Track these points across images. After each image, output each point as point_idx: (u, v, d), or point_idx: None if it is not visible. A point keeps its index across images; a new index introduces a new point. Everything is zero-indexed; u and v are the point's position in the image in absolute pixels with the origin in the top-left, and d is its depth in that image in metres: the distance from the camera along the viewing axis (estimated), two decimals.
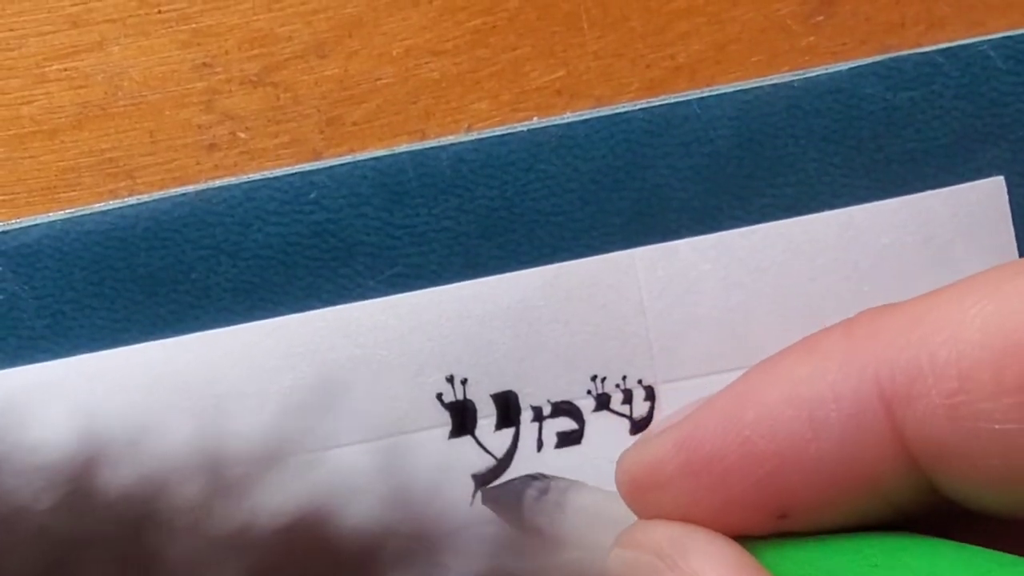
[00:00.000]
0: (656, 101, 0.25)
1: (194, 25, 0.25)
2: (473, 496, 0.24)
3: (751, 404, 0.17)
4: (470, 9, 0.25)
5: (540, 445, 0.25)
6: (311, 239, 0.24)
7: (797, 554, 0.17)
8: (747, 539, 0.17)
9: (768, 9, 0.25)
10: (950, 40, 0.25)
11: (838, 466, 0.16)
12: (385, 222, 0.24)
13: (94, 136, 0.24)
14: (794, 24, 0.25)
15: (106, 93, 0.24)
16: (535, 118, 0.25)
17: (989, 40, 0.25)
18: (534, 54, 0.25)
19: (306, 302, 0.24)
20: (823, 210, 0.25)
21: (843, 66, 0.25)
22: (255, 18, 0.25)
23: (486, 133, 0.25)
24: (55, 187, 0.24)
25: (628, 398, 0.25)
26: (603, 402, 0.25)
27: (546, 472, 0.24)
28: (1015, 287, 0.15)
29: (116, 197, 0.24)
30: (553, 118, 0.25)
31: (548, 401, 0.25)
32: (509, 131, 0.25)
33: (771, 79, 0.25)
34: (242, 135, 0.25)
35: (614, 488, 0.19)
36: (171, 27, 0.25)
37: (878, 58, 0.25)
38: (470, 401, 0.24)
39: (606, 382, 0.25)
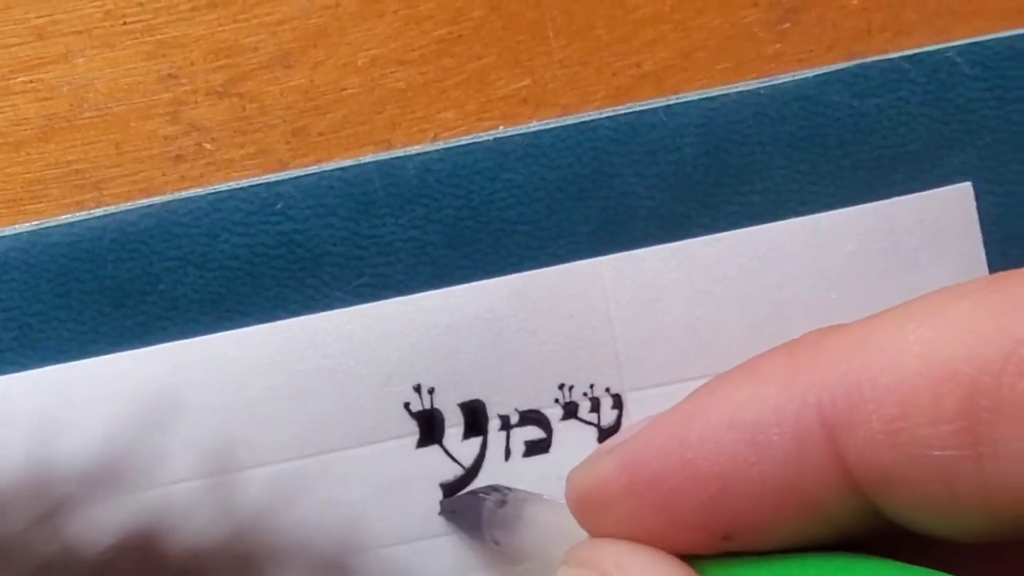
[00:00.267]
0: (622, 109, 0.25)
1: (159, 36, 0.25)
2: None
3: (695, 426, 0.17)
4: (435, 19, 0.25)
5: (508, 454, 0.25)
6: (278, 249, 0.24)
7: (742, 573, 0.17)
8: (694, 558, 0.17)
9: (734, 16, 0.25)
10: (917, 47, 0.25)
11: (781, 489, 0.16)
12: (352, 232, 0.24)
13: (60, 148, 0.24)
14: (760, 31, 0.25)
15: (72, 105, 0.24)
16: (501, 127, 0.25)
17: (956, 46, 0.25)
18: (500, 63, 0.25)
19: (273, 312, 0.24)
20: (790, 217, 0.25)
21: (809, 73, 0.25)
22: (220, 29, 0.25)
23: (452, 142, 0.25)
24: (21, 199, 0.24)
25: (596, 406, 0.25)
26: (571, 411, 0.25)
27: (512, 482, 0.24)
28: (955, 312, 0.15)
29: (82, 209, 0.24)
30: (519, 127, 0.25)
31: (516, 410, 0.25)
32: (475, 140, 0.25)
33: (737, 86, 0.25)
34: (208, 146, 0.25)
35: None
36: (136, 38, 0.25)
37: (845, 65, 0.25)
38: (437, 410, 0.24)
39: (573, 391, 0.25)
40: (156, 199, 0.24)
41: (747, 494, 0.16)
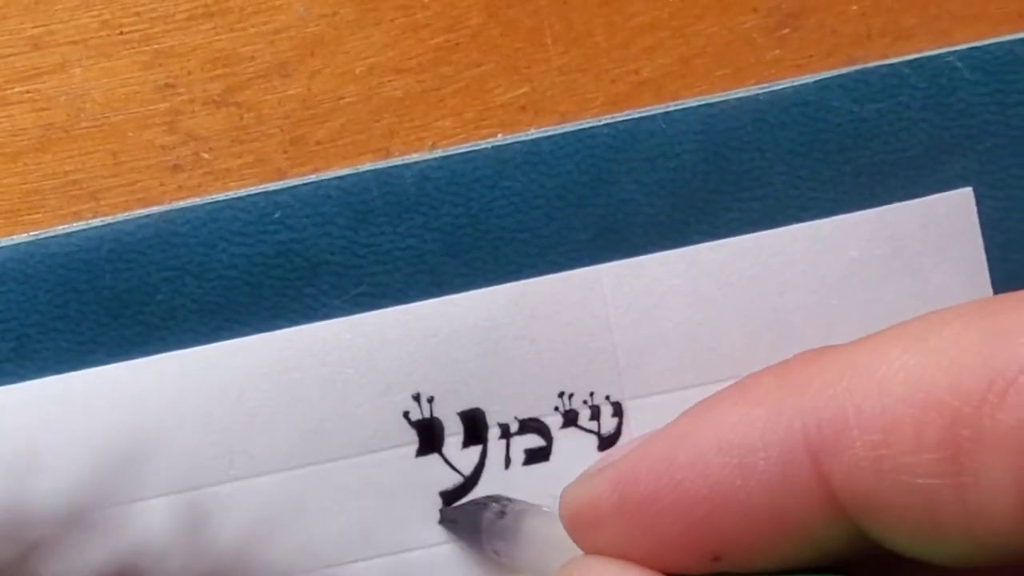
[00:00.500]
0: (621, 116, 0.25)
1: (156, 46, 0.25)
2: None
3: (684, 447, 0.17)
4: (432, 27, 0.25)
5: (508, 462, 0.25)
6: (276, 259, 0.24)
7: None
8: None
9: (733, 22, 0.25)
10: (917, 52, 0.25)
11: (768, 512, 0.16)
12: (350, 241, 0.24)
13: (57, 158, 0.24)
14: (759, 37, 0.25)
15: (69, 115, 0.24)
16: (499, 135, 0.25)
17: (956, 51, 0.25)
18: (498, 71, 0.25)
19: (272, 322, 0.24)
20: (791, 223, 0.25)
21: (809, 79, 0.25)
22: (217, 38, 0.25)
23: (450, 151, 0.25)
24: (18, 210, 0.24)
25: (596, 414, 0.25)
26: (571, 418, 0.25)
27: (512, 490, 0.24)
28: (939, 340, 0.15)
29: (80, 219, 0.24)
30: (518, 134, 0.25)
31: (515, 418, 0.25)
32: (473, 148, 0.25)
33: (737, 93, 0.25)
34: (206, 155, 0.25)
35: None
36: (133, 48, 0.25)
37: (844, 70, 0.25)
38: (437, 419, 0.24)
39: (573, 398, 0.25)
40: (154, 209, 0.24)
41: (735, 516, 0.16)
